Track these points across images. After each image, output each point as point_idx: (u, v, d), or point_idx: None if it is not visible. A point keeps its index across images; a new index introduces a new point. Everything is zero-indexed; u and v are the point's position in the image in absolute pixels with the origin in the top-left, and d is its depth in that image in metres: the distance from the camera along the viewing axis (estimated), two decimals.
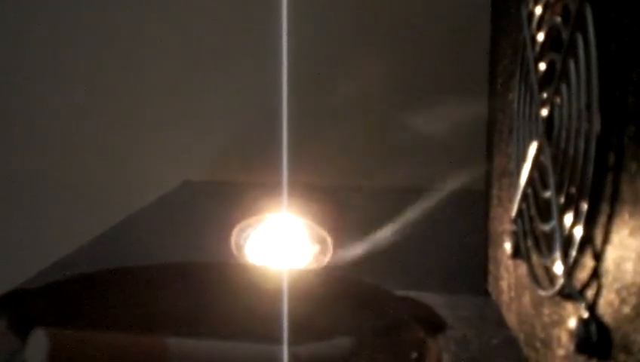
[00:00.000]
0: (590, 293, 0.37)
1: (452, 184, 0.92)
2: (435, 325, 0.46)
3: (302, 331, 0.48)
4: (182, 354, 0.39)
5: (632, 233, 0.32)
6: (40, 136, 1.17)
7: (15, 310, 0.39)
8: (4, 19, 1.15)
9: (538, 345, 0.47)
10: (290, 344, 0.45)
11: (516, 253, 0.52)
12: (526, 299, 0.51)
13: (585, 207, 0.36)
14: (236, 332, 0.48)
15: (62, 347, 0.34)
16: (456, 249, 0.81)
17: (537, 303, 0.48)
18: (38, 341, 0.33)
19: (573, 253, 0.38)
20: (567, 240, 0.39)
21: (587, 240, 0.37)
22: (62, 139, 1.16)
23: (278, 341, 0.46)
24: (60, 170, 1.16)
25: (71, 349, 0.34)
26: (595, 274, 0.36)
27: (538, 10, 0.46)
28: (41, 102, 1.16)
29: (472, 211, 0.73)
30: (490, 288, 0.65)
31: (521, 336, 0.52)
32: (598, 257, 0.36)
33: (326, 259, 0.70)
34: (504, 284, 0.59)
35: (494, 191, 0.64)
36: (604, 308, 0.35)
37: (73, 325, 0.40)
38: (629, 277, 0.32)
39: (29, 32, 1.14)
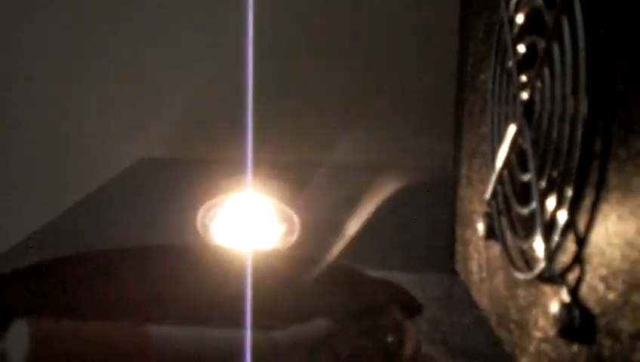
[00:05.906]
0: (572, 278, 0.37)
1: (418, 161, 0.92)
2: (412, 307, 0.46)
3: (271, 313, 0.47)
4: (165, 342, 0.38)
5: (620, 219, 0.32)
6: None
7: None
8: None
9: (512, 326, 0.48)
10: (260, 327, 0.45)
11: (490, 234, 0.52)
12: (499, 280, 0.51)
13: (569, 191, 0.36)
14: (205, 316, 0.47)
15: (43, 337, 0.33)
16: (422, 227, 0.81)
17: (511, 285, 0.48)
18: (18, 331, 0.32)
19: (556, 237, 0.38)
20: (549, 224, 0.39)
21: (570, 224, 0.37)
22: (11, 119, 1.12)
23: (246, 324, 0.45)
24: (11, 151, 1.12)
25: (52, 340, 0.33)
26: (578, 259, 0.36)
27: None
28: None
29: (439, 189, 0.73)
30: (458, 267, 0.65)
31: (493, 318, 0.53)
32: (581, 242, 0.36)
33: (293, 239, 0.69)
34: (474, 265, 0.59)
35: (463, 171, 0.64)
36: (587, 294, 0.35)
37: (43, 313, 0.39)
38: (615, 264, 0.32)
39: None
